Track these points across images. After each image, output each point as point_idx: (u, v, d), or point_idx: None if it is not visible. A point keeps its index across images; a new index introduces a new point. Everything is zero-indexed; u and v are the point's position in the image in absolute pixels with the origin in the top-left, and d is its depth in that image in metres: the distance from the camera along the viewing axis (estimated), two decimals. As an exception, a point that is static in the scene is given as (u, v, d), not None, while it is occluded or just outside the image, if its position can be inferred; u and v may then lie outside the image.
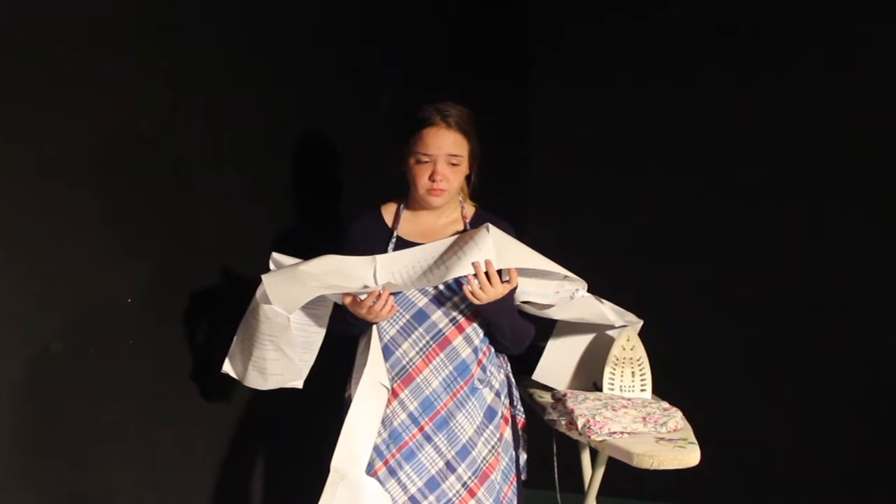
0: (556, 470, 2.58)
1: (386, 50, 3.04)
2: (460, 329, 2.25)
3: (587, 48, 3.75)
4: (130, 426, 2.20)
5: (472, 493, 2.23)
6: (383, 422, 2.23)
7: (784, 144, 3.45)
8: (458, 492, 2.22)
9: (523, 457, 2.39)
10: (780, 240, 3.48)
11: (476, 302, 2.14)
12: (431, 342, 2.23)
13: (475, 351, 2.26)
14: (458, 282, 2.17)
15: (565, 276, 2.29)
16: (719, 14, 3.53)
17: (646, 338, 2.57)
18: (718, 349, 3.56)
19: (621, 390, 2.53)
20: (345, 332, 2.28)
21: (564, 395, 2.46)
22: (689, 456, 2.19)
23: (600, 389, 2.54)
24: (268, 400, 2.37)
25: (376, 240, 2.27)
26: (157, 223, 2.25)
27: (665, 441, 2.25)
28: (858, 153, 3.36)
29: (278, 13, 2.62)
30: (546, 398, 2.57)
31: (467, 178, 2.31)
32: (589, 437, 2.29)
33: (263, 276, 2.11)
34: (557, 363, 2.63)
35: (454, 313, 2.24)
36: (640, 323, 2.60)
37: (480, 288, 2.11)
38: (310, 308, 2.23)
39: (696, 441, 2.25)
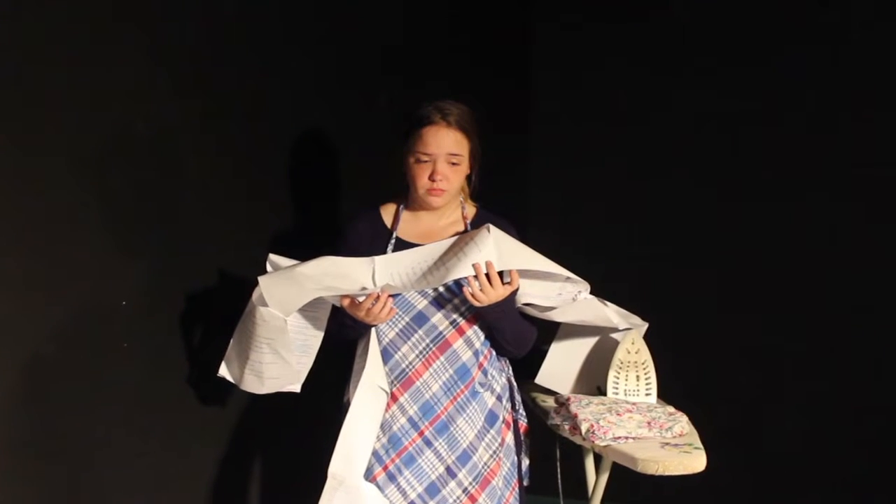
0: (559, 476, 2.57)
1: (386, 49, 3.04)
2: (461, 332, 2.23)
3: (589, 48, 3.78)
4: (124, 431, 2.19)
5: (472, 499, 2.21)
6: (382, 426, 2.21)
7: (788, 144, 3.44)
8: (458, 497, 2.20)
9: (525, 462, 2.37)
10: (789, 240, 3.47)
11: (476, 304, 2.13)
12: (431, 345, 2.21)
13: (476, 354, 2.24)
14: (459, 283, 2.15)
15: (567, 278, 2.28)
16: (720, 14, 3.52)
17: (651, 341, 2.55)
18: (725, 352, 3.55)
19: (626, 394, 2.51)
20: (343, 335, 2.26)
21: (568, 399, 2.44)
22: (695, 461, 2.17)
23: (604, 393, 2.53)
24: (265, 404, 2.36)
25: (375, 241, 2.26)
26: (153, 224, 2.25)
27: (670, 446, 2.23)
28: (861, 153, 3.35)
29: (277, 13, 2.61)
30: (549, 402, 2.56)
31: (468, 177, 2.29)
32: (593, 442, 2.27)
33: (260, 278, 2.10)
34: (561, 366, 2.61)
35: (455, 316, 2.22)
36: (645, 325, 2.58)
37: (481, 290, 2.10)
38: (307, 310, 2.21)
39: (702, 446, 2.24)
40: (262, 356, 2.16)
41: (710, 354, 3.56)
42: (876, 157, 3.33)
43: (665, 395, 2.56)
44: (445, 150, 2.18)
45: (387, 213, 2.31)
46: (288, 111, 2.66)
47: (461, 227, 2.29)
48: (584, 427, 2.27)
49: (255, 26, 2.53)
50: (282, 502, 2.65)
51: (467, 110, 2.22)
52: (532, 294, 2.29)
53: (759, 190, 3.49)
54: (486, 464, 2.23)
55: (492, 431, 2.25)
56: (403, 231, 2.28)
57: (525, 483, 2.36)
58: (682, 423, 2.32)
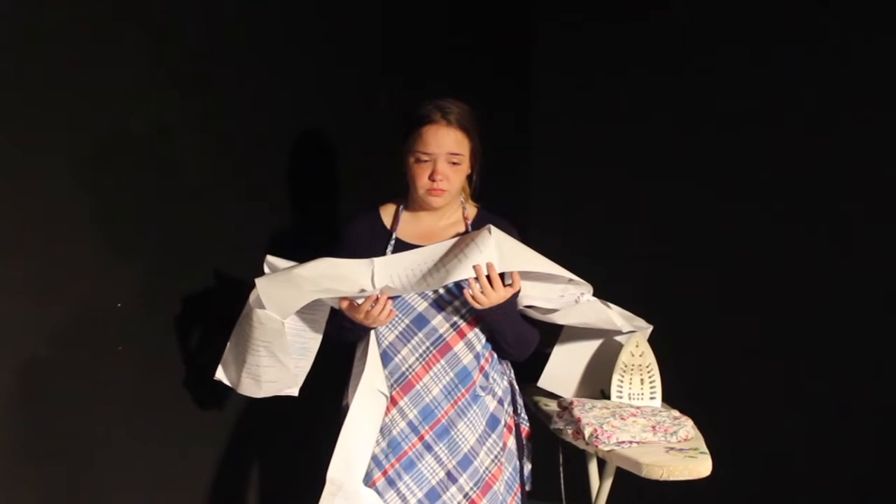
0: (562, 481, 2.57)
1: (386, 49, 3.05)
2: (461, 334, 2.21)
3: (590, 47, 3.79)
4: (119, 436, 2.19)
5: (473, 505, 2.20)
6: (382, 430, 2.20)
7: (788, 144, 3.44)
8: (459, 503, 2.18)
9: (528, 467, 2.35)
10: (797, 242, 3.46)
11: (477, 306, 2.11)
12: (432, 348, 2.19)
13: (477, 357, 2.22)
14: (459, 285, 2.14)
15: (570, 280, 2.27)
16: (720, 14, 3.53)
17: (655, 344, 2.54)
18: (731, 355, 3.54)
19: (630, 398, 2.50)
20: (342, 338, 2.25)
21: (571, 403, 2.43)
22: (700, 466, 2.16)
23: (608, 397, 2.52)
24: (262, 408, 2.36)
25: (374, 242, 2.24)
26: (149, 225, 2.25)
27: (675, 451, 2.22)
28: (865, 153, 3.34)
29: (277, 13, 2.62)
30: (552, 406, 2.55)
31: (469, 177, 2.27)
32: (596, 446, 2.26)
33: (257, 280, 2.09)
34: (563, 370, 2.60)
35: (455, 318, 2.20)
36: (650, 328, 2.57)
37: (482, 292, 2.09)
38: (305, 313, 2.20)
39: (707, 451, 2.23)
40: (260, 359, 2.15)
41: (716, 357, 3.55)
42: (877, 157, 3.32)
43: (668, 398, 2.55)
44: (446, 150, 2.16)
45: (386, 213, 2.30)
46: (287, 111, 2.66)
47: (462, 228, 2.27)
48: (587, 431, 2.26)
49: (255, 26, 2.53)
50: (280, 508, 2.66)
51: (468, 109, 2.21)
52: (534, 296, 2.28)
53: (759, 190, 3.49)
54: (487, 469, 2.21)
55: (493, 436, 2.23)
56: (403, 232, 2.26)
57: (527, 488, 2.34)
58: (687, 428, 2.32)
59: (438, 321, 2.19)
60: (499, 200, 2.41)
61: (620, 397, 2.49)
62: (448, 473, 2.18)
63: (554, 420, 2.44)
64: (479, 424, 2.21)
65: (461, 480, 2.18)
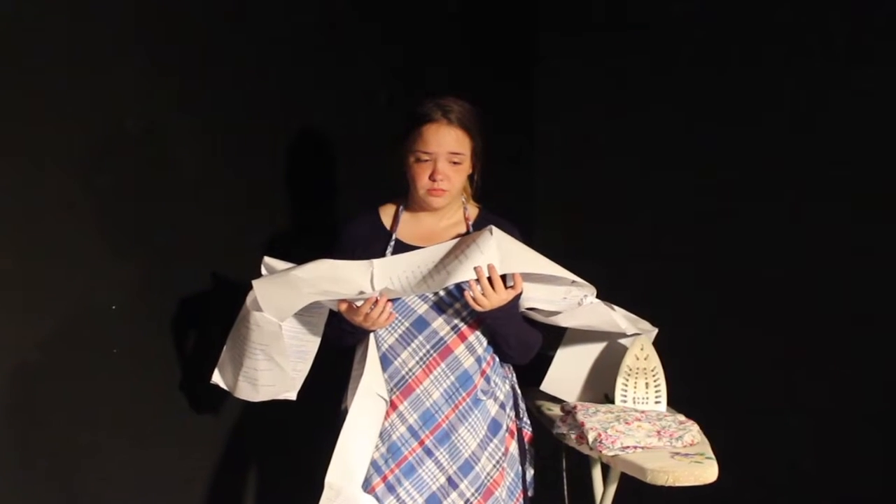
0: (565, 486, 2.55)
1: (386, 48, 3.04)
2: (462, 337, 2.19)
3: (592, 47, 3.79)
4: (114, 440, 2.18)
5: (475, 511, 2.18)
6: (381, 435, 2.18)
7: (789, 144, 3.43)
8: (460, 509, 2.17)
9: (530, 472, 2.34)
10: (807, 245, 3.44)
11: (478, 309, 2.09)
12: (432, 351, 2.17)
13: (478, 360, 2.20)
14: (460, 287, 2.12)
15: (573, 282, 2.25)
16: (720, 14, 3.53)
17: (660, 347, 2.52)
18: (738, 359, 3.52)
19: (634, 402, 2.49)
20: (341, 341, 2.23)
21: (574, 407, 2.41)
22: (706, 472, 2.15)
23: (612, 401, 2.50)
24: (259, 412, 2.35)
25: (374, 243, 2.23)
26: (144, 226, 2.25)
27: (681, 456, 2.21)
28: (868, 154, 3.32)
29: (277, 13, 2.62)
30: (555, 410, 2.53)
31: (470, 177, 2.26)
32: (600, 451, 2.24)
33: (254, 282, 2.08)
34: (567, 373, 2.59)
35: (456, 321, 2.18)
36: (655, 331, 2.56)
37: (483, 294, 2.07)
38: (303, 315, 2.19)
39: (713, 456, 2.21)
40: (257, 363, 2.14)
41: (722, 361, 3.54)
42: (882, 159, 3.30)
43: (675, 403, 2.54)
44: (446, 149, 2.14)
45: (386, 214, 2.28)
46: (287, 111, 2.66)
47: (463, 229, 2.26)
48: (591, 436, 2.24)
49: (254, 26, 2.53)
50: (277, 513, 2.66)
51: (469, 107, 2.19)
52: (536, 298, 2.26)
53: (760, 190, 3.47)
54: (489, 474, 2.20)
55: (495, 441, 2.22)
56: (403, 233, 2.24)
57: (530, 494, 2.33)
58: (692, 433, 2.30)
59: (439, 324, 2.17)
60: (501, 201, 2.39)
61: (625, 401, 2.48)
62: (449, 479, 2.17)
63: (557, 424, 2.42)
64: (480, 429, 2.19)
65: (462, 486, 2.16)
